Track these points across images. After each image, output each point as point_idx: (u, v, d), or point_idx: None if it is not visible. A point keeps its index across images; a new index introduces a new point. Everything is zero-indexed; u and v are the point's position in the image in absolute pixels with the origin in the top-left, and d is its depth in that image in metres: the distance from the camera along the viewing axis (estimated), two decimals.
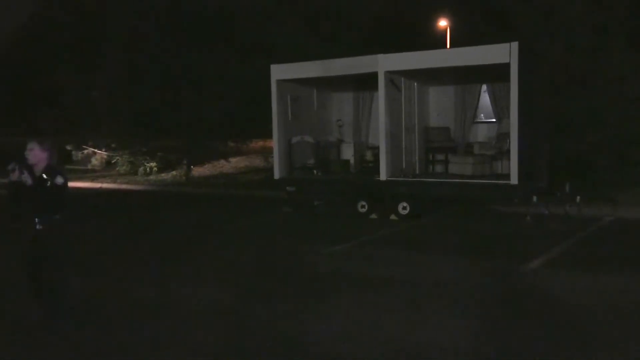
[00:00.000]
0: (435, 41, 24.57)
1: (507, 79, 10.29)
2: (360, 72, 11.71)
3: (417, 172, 12.66)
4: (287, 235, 10.44)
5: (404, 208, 11.46)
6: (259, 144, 24.71)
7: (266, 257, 8.70)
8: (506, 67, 10.12)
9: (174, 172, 21.98)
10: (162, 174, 22.28)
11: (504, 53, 10.08)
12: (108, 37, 20.86)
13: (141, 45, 20.00)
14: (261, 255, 8.83)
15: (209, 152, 22.10)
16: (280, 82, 12.75)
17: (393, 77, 11.67)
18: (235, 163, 23.42)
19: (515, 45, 10.03)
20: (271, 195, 15.33)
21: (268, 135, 15.95)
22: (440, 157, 13.10)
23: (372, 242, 9.56)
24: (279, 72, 12.72)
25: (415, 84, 12.67)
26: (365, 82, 12.71)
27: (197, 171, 22.23)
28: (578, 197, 11.47)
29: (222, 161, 23.15)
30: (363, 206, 11.89)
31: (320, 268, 7.91)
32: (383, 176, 11.55)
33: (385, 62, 11.40)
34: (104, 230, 11.44)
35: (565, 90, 15.03)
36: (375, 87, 11.79)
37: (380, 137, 11.63)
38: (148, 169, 22.79)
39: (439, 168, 13.15)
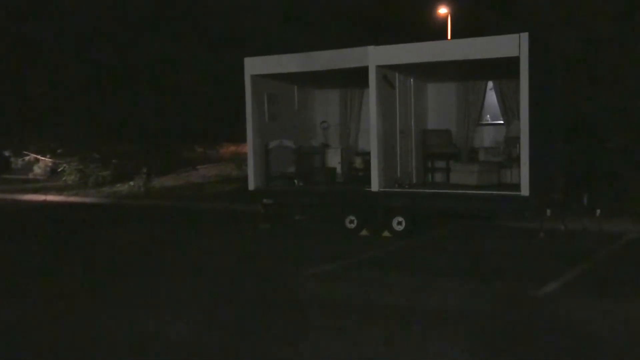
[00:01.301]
0: (435, 31, 24.77)
1: (516, 74, 10.39)
2: (348, 67, 11.75)
3: (414, 181, 12.69)
4: (263, 255, 10.39)
5: (399, 223, 11.49)
6: (230, 149, 24.64)
7: (238, 281, 8.66)
8: (515, 61, 10.22)
9: (131, 183, 21.79)
10: (118, 185, 22.08)
11: (513, 45, 10.18)
12: (55, 26, 20.79)
13: (93, 36, 19.95)
14: (232, 279, 8.78)
15: (173, 158, 22.00)
16: (256, 78, 12.75)
17: (386, 72, 11.73)
18: (203, 171, 23.31)
19: (525, 36, 10.14)
20: (245, 209, 15.28)
21: (241, 139, 15.92)
22: (440, 164, 13.16)
23: (362, 263, 9.56)
24: (254, 66, 12.72)
25: (412, 80, 12.74)
26: (354, 78, 12.75)
27: (159, 181, 22.08)
28: (598, 211, 11.59)
29: (188, 169, 23.04)
30: (352, 221, 11.91)
31: (302, 293, 7.89)
32: (375, 187, 11.58)
33: (376, 55, 11.46)
34: (30, 250, 11.28)
35: (583, 88, 15.24)
36: (365, 83, 11.83)
37: (371, 142, 11.67)
38: (100, 179, 22.60)
39: (438, 177, 13.21)
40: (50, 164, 25.44)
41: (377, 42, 11.72)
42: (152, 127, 19.77)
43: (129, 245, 11.64)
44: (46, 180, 24.89)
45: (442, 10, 26.21)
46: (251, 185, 12.87)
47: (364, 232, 11.79)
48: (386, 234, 11.57)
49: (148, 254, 10.71)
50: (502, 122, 12.91)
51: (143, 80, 19.60)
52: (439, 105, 13.49)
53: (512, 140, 11.88)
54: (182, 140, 20.84)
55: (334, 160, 13.74)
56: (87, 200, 19.85)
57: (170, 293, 8.10)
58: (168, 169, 22.99)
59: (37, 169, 25.87)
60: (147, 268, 9.63)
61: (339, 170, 13.60)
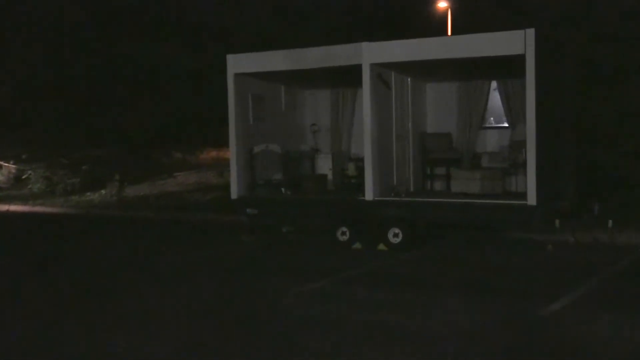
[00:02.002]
0: (434, 27, 24.88)
1: (521, 74, 10.44)
2: (339, 65, 11.77)
3: (412, 190, 12.71)
4: (246, 271, 10.36)
5: (396, 235, 11.50)
6: (211, 154, 24.58)
7: (217, 300, 8.62)
8: (521, 59, 10.28)
9: (103, 191, 21.70)
10: (88, 193, 21.98)
11: (518, 42, 10.24)
12: (23, 22, 20.75)
13: (62, 33, 19.91)
14: (210, 297, 8.74)
15: (148, 165, 21.93)
16: (239, 77, 12.75)
17: (381, 71, 11.76)
18: (181, 179, 23.24)
19: (531, 32, 10.20)
20: (227, 220, 15.24)
21: (224, 143, 15.91)
22: (440, 171, 13.19)
23: (355, 279, 9.55)
24: (238, 64, 12.72)
25: (409, 79, 12.77)
26: (346, 78, 12.77)
27: (133, 189, 22.00)
28: (610, 221, 11.64)
29: (165, 176, 22.98)
30: (344, 233, 11.90)
31: (289, 312, 7.86)
32: (369, 195, 11.58)
33: (371, 53, 11.48)
34: None
35: (594, 89, 15.33)
36: (358, 83, 11.85)
37: (365, 147, 11.68)
38: (69, 187, 22.49)
39: (438, 185, 13.23)
40: (14, 171, 25.31)
41: (371, 38, 11.75)
42: (126, 131, 19.70)
43: (98, 260, 11.57)
44: (9, 188, 24.73)
45: (442, 4, 26.32)
46: (234, 194, 12.85)
47: (357, 245, 11.78)
48: (381, 247, 11.57)
49: (119, 270, 10.64)
50: (506, 125, 12.96)
51: (116, 79, 19.56)
52: (439, 107, 13.53)
53: (518, 145, 11.93)
54: (158, 145, 20.77)
55: (325, 166, 13.74)
56: (54, 210, 19.73)
57: (142, 313, 8.04)
58: (143, 176, 22.92)
59: (0, 176, 25.72)
60: (117, 286, 9.57)
61: (330, 177, 13.60)
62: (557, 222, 11.20)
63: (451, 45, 11.27)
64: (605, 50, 15.79)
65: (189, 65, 19.34)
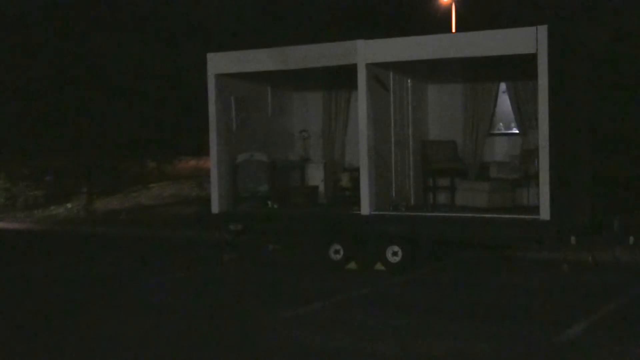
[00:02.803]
0: (436, 23, 25.00)
1: (533, 75, 10.51)
2: (332, 65, 11.81)
3: (412, 203, 12.74)
4: (229, 293, 10.35)
5: (395, 254, 11.52)
6: (190, 163, 24.58)
7: (196, 325, 8.61)
8: (532, 59, 10.35)
9: (69, 205, 21.68)
10: (52, 207, 21.94)
11: (529, 40, 10.31)
12: None
13: (24, 29, 19.89)
14: (189, 323, 8.73)
15: (120, 175, 21.90)
16: (221, 78, 12.77)
17: (378, 71, 11.81)
18: (157, 191, 23.21)
19: (543, 29, 10.28)
20: (207, 236, 15.23)
21: (204, 151, 15.91)
22: (443, 182, 13.22)
23: (350, 303, 9.55)
24: (219, 63, 12.75)
25: (409, 81, 12.83)
26: (340, 79, 12.82)
27: (103, 203, 21.97)
28: (631, 238, 11.69)
29: (138, 188, 22.94)
30: (337, 251, 11.91)
31: (276, 340, 7.86)
32: (365, 209, 11.60)
33: (367, 51, 11.54)
34: None
35: (614, 92, 15.43)
36: (353, 85, 11.90)
37: (360, 155, 11.71)
38: (31, 200, 22.43)
39: (442, 198, 13.26)
40: None
41: (367, 35, 11.81)
42: (95, 137, 19.67)
43: (63, 282, 11.53)
44: None
45: None
46: (215, 208, 12.84)
47: (351, 265, 11.79)
48: (379, 267, 11.58)
49: (86, 293, 10.62)
50: (517, 131, 13.02)
51: (84, 80, 19.54)
52: (442, 112, 13.58)
53: (530, 154, 11.98)
54: (130, 153, 20.74)
55: (316, 177, 13.74)
56: (15, 226, 19.66)
57: (110, 341, 8.03)
58: (113, 188, 22.89)
59: None
60: (83, 310, 9.55)
61: (321, 189, 13.62)
62: (573, 239, 11.25)
63: (455, 43, 11.33)
64: (626, 49, 15.89)
65: (165, 65, 19.34)
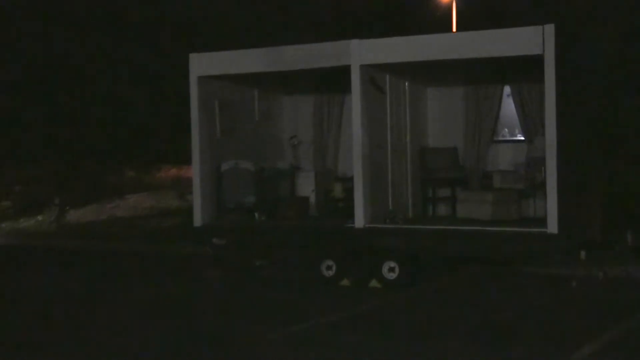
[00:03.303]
0: (436, 22, 25.10)
1: (540, 77, 10.55)
2: (324, 66, 11.84)
3: (411, 215, 12.74)
4: (212, 312, 10.33)
5: (391, 270, 11.51)
6: (171, 172, 24.55)
7: (176, 347, 8.57)
8: (538, 60, 10.40)
9: (40, 217, 21.62)
10: (22, 220, 21.87)
11: (535, 40, 10.35)
12: None
13: None
14: (169, 344, 8.69)
15: (95, 185, 21.86)
16: (204, 80, 12.77)
17: (374, 73, 11.83)
18: (134, 202, 23.16)
19: (550, 29, 10.32)
20: (189, 251, 15.19)
21: (185, 160, 15.91)
22: (444, 193, 13.24)
23: (343, 323, 9.53)
24: (202, 64, 12.75)
25: (407, 84, 12.86)
26: (333, 81, 12.84)
27: (76, 214, 21.91)
28: None
29: (115, 199, 22.89)
30: (330, 267, 11.90)
31: None
32: (359, 222, 11.60)
33: (361, 52, 11.56)
34: None
35: (626, 96, 15.50)
36: (346, 88, 11.91)
37: (355, 164, 11.71)
38: None
39: (442, 209, 13.28)
40: None
41: (362, 35, 11.84)
42: (68, 144, 19.63)
43: (33, 301, 11.48)
44: None
45: None
46: (197, 221, 12.81)
47: (345, 282, 11.78)
48: (374, 283, 11.57)
49: (58, 313, 10.57)
50: (522, 138, 13.07)
51: (57, 83, 19.53)
52: (442, 117, 13.62)
53: (536, 162, 12.01)
54: (107, 160, 20.71)
55: (307, 187, 13.73)
56: None
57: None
58: (88, 199, 22.83)
59: None
60: (54, 332, 9.49)
61: (312, 200, 13.61)
62: (582, 253, 11.28)
63: (456, 44, 11.37)
64: (638, 49, 15.97)
65: (144, 66, 19.34)
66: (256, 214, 12.83)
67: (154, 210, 22.22)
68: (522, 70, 11.61)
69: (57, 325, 9.78)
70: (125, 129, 19.79)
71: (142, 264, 14.79)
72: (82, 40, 19.17)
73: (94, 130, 19.43)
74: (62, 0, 19.53)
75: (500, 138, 13.36)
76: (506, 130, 13.34)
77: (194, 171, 12.90)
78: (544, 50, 10.32)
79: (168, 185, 23.99)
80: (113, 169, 21.17)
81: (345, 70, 11.62)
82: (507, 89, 13.09)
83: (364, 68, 11.59)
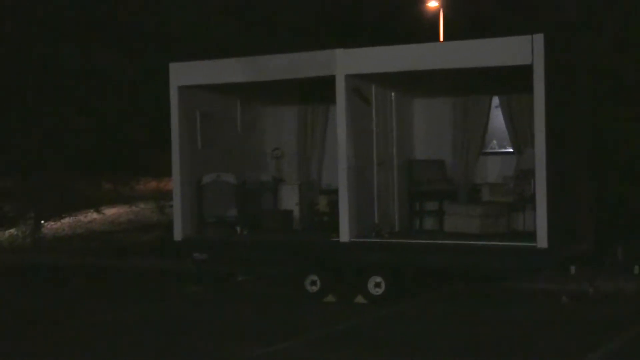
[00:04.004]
0: (423, 31, 25.18)
1: (529, 88, 10.62)
2: (308, 76, 11.87)
3: (397, 229, 12.77)
4: (193, 329, 10.30)
5: (377, 285, 11.52)
6: (150, 185, 24.47)
7: None
8: (528, 70, 10.47)
9: (12, 230, 21.49)
10: None
11: (525, 50, 10.42)
12: None
13: None
14: None
15: (70, 198, 21.75)
16: (185, 90, 12.77)
17: (359, 83, 11.87)
18: (112, 216, 23.07)
19: (539, 38, 10.40)
20: (169, 266, 15.15)
21: (165, 172, 15.85)
22: (431, 206, 13.27)
23: (328, 340, 9.54)
24: (183, 74, 12.75)
25: (393, 94, 12.90)
26: (317, 92, 12.87)
27: (51, 228, 21.80)
28: (637, 267, 11.80)
29: (92, 212, 22.78)
30: (314, 283, 11.90)
31: None
32: (345, 236, 11.61)
33: (346, 61, 11.60)
34: None
35: (617, 107, 15.58)
36: (331, 99, 11.95)
37: (340, 176, 11.74)
38: None
39: (429, 223, 13.31)
40: None
41: (347, 44, 11.87)
42: (43, 156, 19.54)
43: (3, 319, 11.41)
44: None
45: (432, 4, 26.66)
46: (178, 235, 12.78)
47: (329, 298, 11.78)
48: (360, 299, 11.58)
49: (31, 331, 10.52)
50: (511, 150, 13.12)
51: (31, 92, 19.45)
52: (429, 128, 13.66)
53: (525, 175, 12.06)
54: (83, 172, 20.61)
55: (290, 200, 13.75)
56: None
57: None
58: (64, 212, 22.71)
59: None
60: (28, 350, 9.44)
61: (296, 213, 13.62)
62: (572, 268, 11.33)
63: (444, 53, 11.44)
64: (631, 59, 16.01)
65: (123, 76, 19.26)
66: (238, 228, 12.83)
67: (133, 224, 22.14)
68: (511, 81, 11.66)
69: (31, 339, 9.74)
70: (104, 140, 19.69)
71: (120, 280, 14.72)
72: (57, 48, 19.07)
73: (70, 142, 19.31)
74: (36, 7, 19.46)
75: (489, 150, 13.40)
76: (495, 141, 13.38)
77: (174, 184, 12.89)
78: (533, 61, 10.39)
79: (147, 198, 23.91)
80: (90, 180, 21.05)
81: (329, 81, 11.64)
82: (495, 100, 13.15)
83: (349, 78, 11.62)
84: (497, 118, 13.20)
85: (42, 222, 21.20)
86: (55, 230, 21.74)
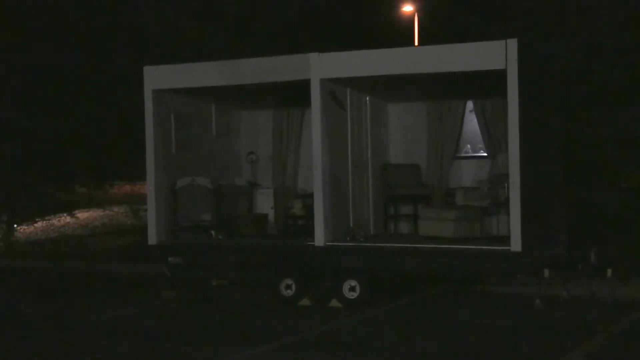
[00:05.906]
0: (398, 35, 25.28)
1: (503, 93, 10.69)
2: (283, 80, 11.87)
3: (372, 233, 12.80)
4: (168, 334, 10.26)
5: (352, 289, 11.54)
6: (124, 189, 24.34)
7: None
8: (501, 75, 10.54)
9: None
10: None
11: (498, 55, 10.49)
12: None
13: None
14: None
15: (43, 201, 21.59)
16: (159, 94, 12.73)
17: (334, 88, 11.89)
18: (85, 219, 22.95)
19: (513, 43, 10.47)
20: (144, 270, 15.09)
21: (139, 175, 15.80)
22: (406, 210, 13.32)
23: (303, 344, 9.53)
24: (157, 77, 12.71)
25: (368, 99, 12.94)
26: (292, 96, 12.88)
27: (24, 232, 21.64)
28: (610, 271, 11.87)
29: (65, 216, 22.64)
30: (289, 287, 11.90)
31: None
32: (319, 240, 11.62)
33: (321, 65, 11.61)
34: None
35: (590, 111, 15.71)
36: (306, 102, 11.96)
37: (315, 180, 11.75)
38: None
39: (404, 227, 13.35)
40: None
41: (322, 49, 11.89)
42: (14, 159, 19.40)
43: None
44: None
45: (407, 8, 26.71)
46: (152, 239, 12.74)
47: (304, 302, 11.79)
48: (335, 303, 11.60)
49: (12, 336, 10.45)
50: (485, 154, 13.20)
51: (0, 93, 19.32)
52: (404, 132, 13.71)
53: (499, 179, 12.12)
54: (59, 178, 20.50)
55: (265, 204, 13.75)
56: None
57: None
58: (37, 216, 22.54)
59: None
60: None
61: (271, 217, 13.62)
62: (546, 272, 11.39)
63: (419, 58, 11.49)
64: (604, 65, 16.15)
65: (96, 78, 19.19)
66: (213, 232, 12.81)
67: (107, 228, 22.03)
68: (485, 86, 11.74)
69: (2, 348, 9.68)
70: (77, 143, 19.60)
71: (94, 285, 14.64)
72: (27, 50, 18.93)
73: (43, 145, 19.19)
74: (6, 6, 19.32)
75: (463, 154, 13.47)
76: (469, 146, 13.45)
77: (149, 187, 12.85)
78: (506, 65, 10.46)
79: (121, 201, 23.79)
80: (63, 184, 20.92)
81: (305, 85, 11.66)
82: (469, 105, 13.22)
83: (324, 82, 11.63)
84: (472, 122, 13.28)
85: (15, 226, 21.05)
86: (29, 235, 21.59)
